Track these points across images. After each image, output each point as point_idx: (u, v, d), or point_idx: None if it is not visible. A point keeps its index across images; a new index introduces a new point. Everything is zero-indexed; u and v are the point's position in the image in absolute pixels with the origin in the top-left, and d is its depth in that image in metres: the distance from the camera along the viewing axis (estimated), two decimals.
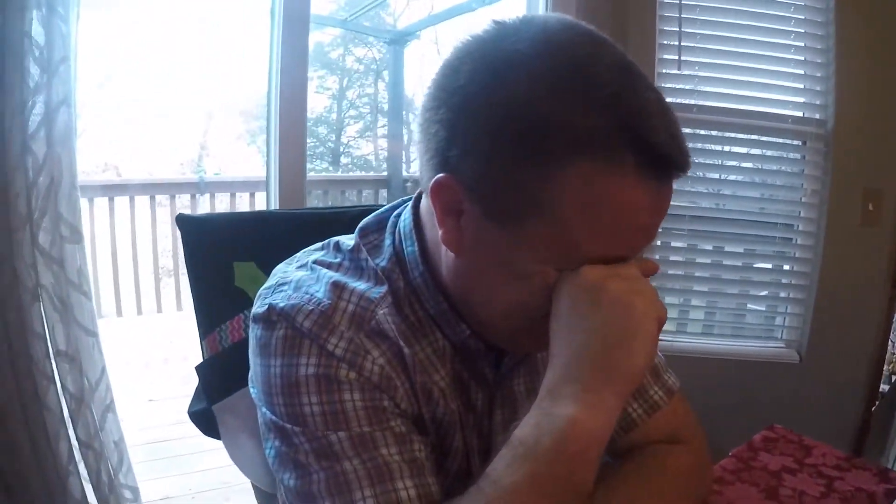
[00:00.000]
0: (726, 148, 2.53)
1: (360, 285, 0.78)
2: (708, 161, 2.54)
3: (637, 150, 0.62)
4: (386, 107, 6.82)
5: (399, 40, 5.74)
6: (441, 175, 0.69)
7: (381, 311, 0.76)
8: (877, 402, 2.57)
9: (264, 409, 0.75)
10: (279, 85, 2.03)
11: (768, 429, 1.37)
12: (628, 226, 0.66)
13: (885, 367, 2.57)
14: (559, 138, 0.62)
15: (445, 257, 0.76)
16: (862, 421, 2.57)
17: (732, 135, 2.49)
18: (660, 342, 2.14)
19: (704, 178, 2.50)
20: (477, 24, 0.72)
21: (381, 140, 7.28)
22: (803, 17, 2.42)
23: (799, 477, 1.19)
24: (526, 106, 0.63)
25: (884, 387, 2.64)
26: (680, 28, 2.32)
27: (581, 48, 0.66)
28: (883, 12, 2.44)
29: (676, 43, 2.34)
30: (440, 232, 0.72)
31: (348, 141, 7.63)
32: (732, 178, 2.65)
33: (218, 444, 1.05)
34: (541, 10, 2.21)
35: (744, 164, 2.62)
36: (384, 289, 0.78)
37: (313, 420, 0.71)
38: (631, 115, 0.62)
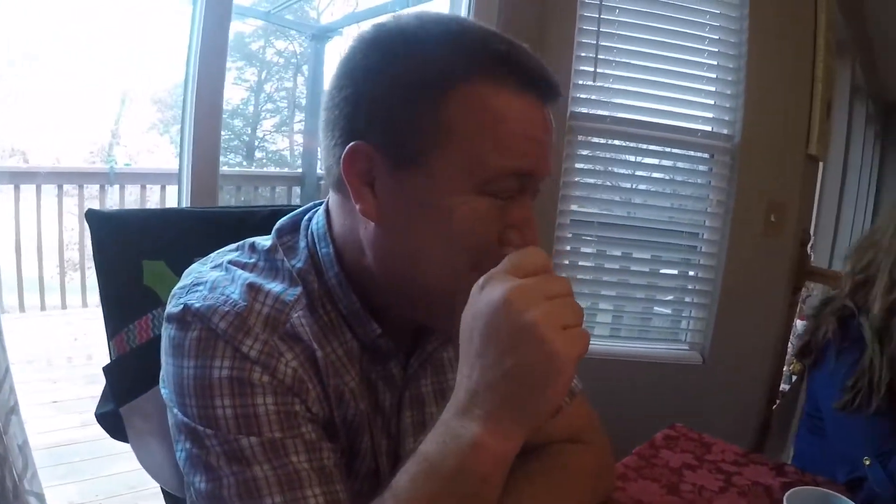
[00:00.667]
0: (639, 159, 2.62)
1: (275, 287, 0.78)
2: (620, 170, 2.63)
3: (515, 71, 0.73)
4: (304, 102, 6.76)
5: (321, 36, 5.69)
6: (351, 143, 0.73)
7: (296, 314, 0.77)
8: (777, 401, 2.71)
9: (176, 411, 0.75)
10: (196, 74, 1.98)
11: (670, 428, 1.43)
12: (524, 135, 0.74)
13: (785, 368, 2.72)
14: (447, 72, 0.72)
15: (366, 236, 0.78)
16: (763, 419, 2.69)
17: (645, 146, 2.56)
18: None
19: (615, 186, 2.56)
20: None
21: (297, 136, 7.19)
22: (717, 38, 2.53)
23: (699, 472, 1.25)
24: (416, 56, 0.73)
25: (784, 386, 2.78)
26: (597, 42, 2.38)
27: (456, 21, 0.79)
28: (792, 36, 2.60)
29: (593, 56, 2.39)
30: (358, 207, 0.75)
31: (264, 135, 7.52)
32: (643, 187, 2.74)
33: (126, 448, 1.03)
34: (463, 13, 2.23)
35: (654, 175, 2.71)
36: (299, 290, 0.79)
37: (225, 423, 0.71)
38: (504, 49, 0.73)
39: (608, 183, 2.55)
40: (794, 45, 2.63)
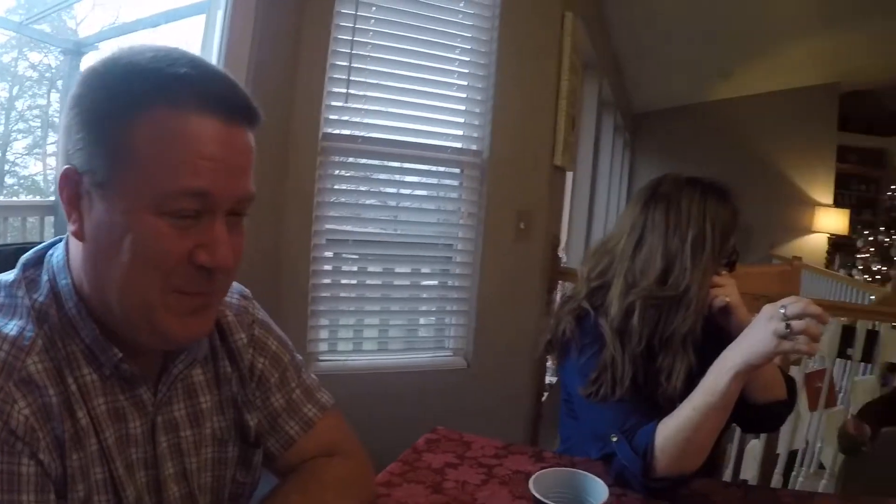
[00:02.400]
0: (395, 176, 2.76)
1: (12, 329, 0.79)
2: (376, 189, 2.76)
3: (194, 94, 0.77)
4: (58, 121, 6.30)
5: (76, 50, 5.37)
6: (63, 167, 0.79)
7: (31, 360, 0.77)
8: (545, 394, 2.89)
9: None
10: None
11: (431, 431, 1.51)
12: (199, 155, 0.77)
13: (550, 362, 2.91)
14: (129, 100, 0.76)
15: (76, 257, 0.82)
16: (535, 412, 2.87)
17: (399, 164, 2.70)
18: (337, 361, 2.26)
19: (372, 205, 2.70)
20: (160, 39, 0.82)
21: (49, 158, 6.68)
22: (468, 59, 2.70)
23: (461, 469, 1.33)
24: (106, 87, 0.78)
25: (550, 379, 2.98)
26: (350, 63, 2.45)
27: (153, 49, 0.81)
28: (538, 58, 2.84)
29: (346, 77, 2.46)
30: (70, 229, 0.79)
31: (15, 158, 6.92)
32: (399, 204, 2.88)
33: None
34: (217, 34, 2.21)
35: (409, 192, 2.85)
36: (34, 331, 0.79)
37: None
38: (183, 73, 0.77)
39: (365, 201, 2.67)
40: (540, 66, 2.88)
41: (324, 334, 2.61)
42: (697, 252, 1.42)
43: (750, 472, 3.12)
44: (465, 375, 2.79)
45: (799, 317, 1.12)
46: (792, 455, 3.43)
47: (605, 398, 1.38)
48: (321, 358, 2.57)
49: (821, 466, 3.49)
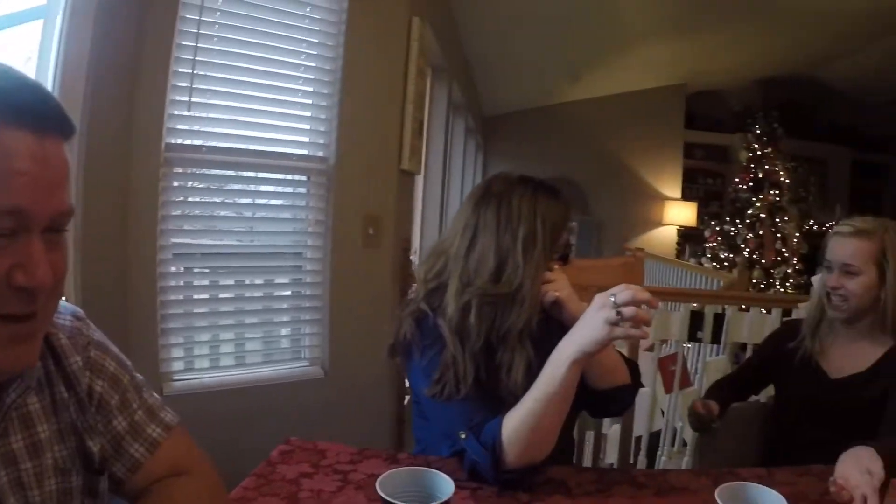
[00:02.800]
0: (247, 186, 2.74)
1: None
2: (222, 199, 2.70)
3: (5, 106, 0.75)
4: None
5: None
6: None
7: None
8: (407, 397, 2.97)
9: None
10: None
11: (285, 443, 1.52)
12: (7, 170, 0.75)
13: None
14: None
15: None
16: (396, 416, 2.93)
17: (246, 174, 2.68)
18: (193, 380, 2.21)
19: (220, 216, 2.66)
20: None
21: None
22: (314, 66, 2.72)
23: (316, 478, 1.35)
24: None
25: None
26: (193, 70, 2.40)
27: None
28: (384, 63, 2.91)
29: (188, 85, 2.40)
30: None
31: None
32: (249, 214, 2.82)
33: None
34: (54, 41, 2.11)
35: (256, 201, 2.82)
36: None
37: None
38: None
39: (219, 213, 2.63)
40: (386, 71, 2.94)
41: (178, 353, 2.55)
42: (529, 249, 1.50)
43: (612, 456, 3.30)
44: (323, 384, 2.81)
45: (628, 304, 1.21)
46: (658, 436, 3.67)
47: (451, 397, 1.44)
48: (176, 378, 2.51)
49: (684, 444, 3.73)
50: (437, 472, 1.17)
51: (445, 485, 1.14)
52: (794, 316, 2.49)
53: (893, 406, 1.83)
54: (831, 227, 2.07)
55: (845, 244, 1.98)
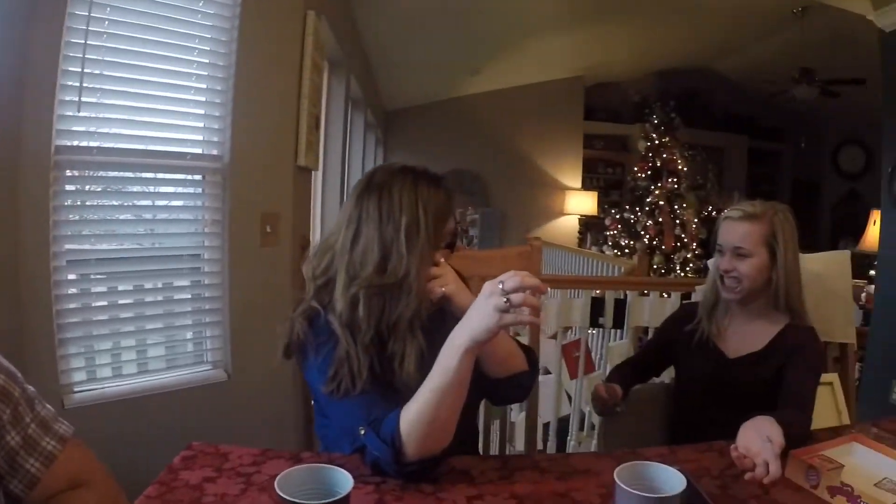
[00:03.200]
0: (148, 188, 2.70)
1: None
2: (120, 203, 2.66)
3: None
4: None
5: None
6: None
7: None
8: None
9: None
10: None
11: (187, 448, 1.52)
12: None
13: None
14: None
15: None
16: (305, 415, 2.95)
17: (140, 175, 2.64)
18: (94, 391, 2.18)
19: (115, 219, 2.62)
20: None
21: None
22: (207, 62, 2.70)
23: (219, 482, 1.36)
24: None
25: None
26: (83, 69, 2.34)
27: None
28: (278, 58, 2.93)
29: (78, 84, 2.34)
30: None
31: None
32: (145, 216, 2.77)
33: None
34: None
35: (151, 203, 2.78)
36: None
37: None
38: None
39: (117, 216, 2.60)
40: (281, 66, 2.96)
41: (78, 363, 2.49)
42: (412, 238, 1.52)
43: (521, 444, 3.40)
44: (227, 387, 2.81)
45: (517, 290, 1.25)
46: (567, 421, 3.82)
47: (347, 393, 1.47)
48: (77, 389, 2.45)
49: (592, 428, 3.89)
50: (336, 467, 1.19)
51: (344, 480, 1.15)
52: (693, 299, 2.63)
53: (789, 382, 1.94)
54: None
55: (736, 228, 2.08)
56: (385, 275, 1.52)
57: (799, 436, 1.66)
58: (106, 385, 2.55)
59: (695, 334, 2.19)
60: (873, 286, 5.06)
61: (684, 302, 2.39)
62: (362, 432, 1.41)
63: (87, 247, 2.52)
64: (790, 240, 2.06)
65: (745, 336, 2.13)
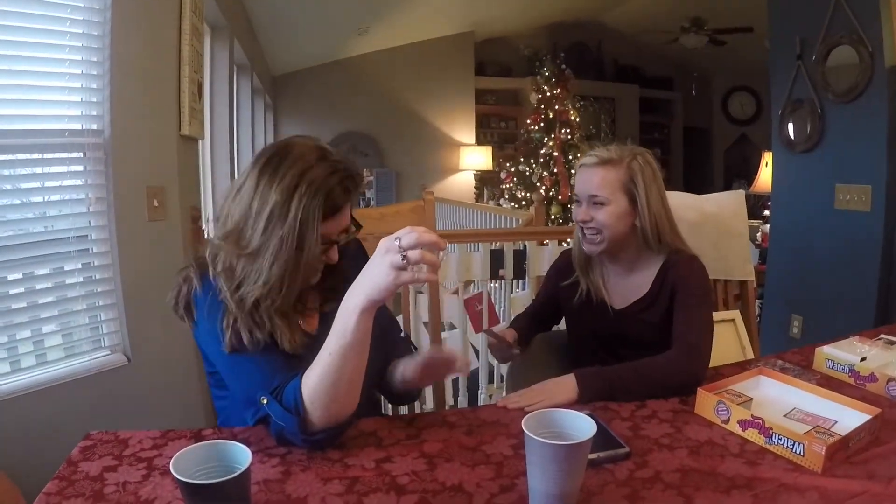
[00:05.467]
0: (26, 170, 2.53)
1: None
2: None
3: None
4: None
5: None
6: None
7: None
8: None
9: None
10: None
11: (85, 438, 1.48)
12: None
13: None
14: None
15: None
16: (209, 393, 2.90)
17: (15, 157, 2.47)
18: None
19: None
20: None
21: None
22: (81, 32, 2.55)
23: (120, 470, 1.33)
24: None
25: None
26: None
27: None
28: (156, 23, 2.82)
29: None
30: None
31: None
32: (20, 201, 2.61)
33: None
34: None
35: (27, 185, 2.58)
36: None
37: None
38: None
39: None
40: (158, 33, 2.84)
41: None
42: (274, 219, 1.47)
43: (430, 402, 3.45)
44: (127, 372, 2.73)
45: (413, 247, 1.22)
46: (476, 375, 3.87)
47: (253, 348, 1.46)
48: None
49: (502, 380, 3.96)
50: (233, 442, 1.16)
51: (243, 454, 1.14)
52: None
53: (675, 323, 1.93)
54: None
55: (591, 175, 2.01)
56: (238, 246, 1.50)
57: (635, 391, 1.73)
58: (2, 383, 2.41)
59: (577, 287, 2.16)
60: (767, 226, 5.29)
61: (563, 250, 2.37)
62: (265, 401, 1.40)
63: None
64: (651, 182, 2.00)
65: (628, 285, 2.11)
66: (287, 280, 1.49)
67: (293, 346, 1.51)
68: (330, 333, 1.34)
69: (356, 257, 1.73)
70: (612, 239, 2.01)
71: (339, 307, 1.33)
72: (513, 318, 2.44)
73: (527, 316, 2.36)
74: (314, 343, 1.42)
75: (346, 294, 1.33)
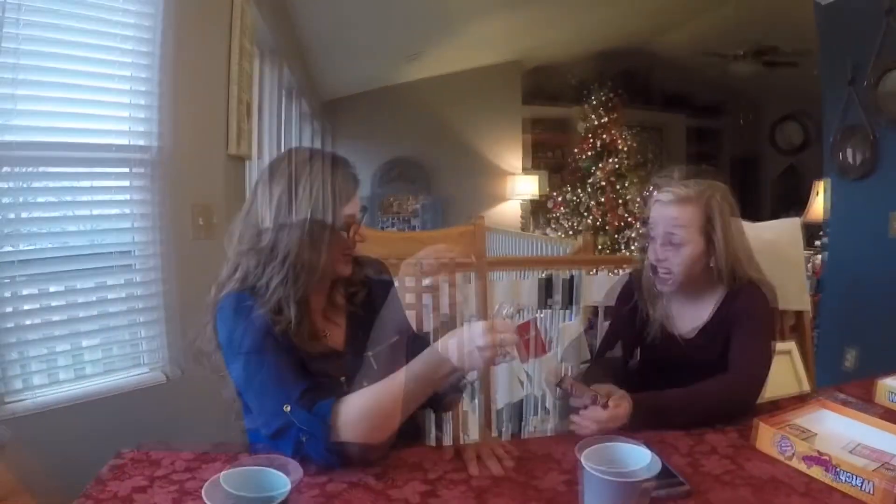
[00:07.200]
0: (63, 183, 2.53)
1: None
2: (45, 199, 2.49)
3: None
4: None
5: None
6: None
7: None
8: None
9: None
10: None
11: (116, 456, 1.45)
12: None
13: None
14: None
15: None
16: None
17: (61, 170, 2.49)
18: (26, 401, 2.05)
19: (39, 218, 2.47)
20: None
21: None
22: (131, 48, 2.57)
23: (150, 492, 1.29)
24: None
25: None
26: None
27: None
28: (207, 43, 2.84)
29: None
30: None
31: None
32: (72, 213, 2.62)
33: None
34: None
35: (73, 199, 2.59)
36: None
37: None
38: None
39: (31, 214, 2.44)
40: (208, 51, 2.87)
41: (14, 370, 2.35)
42: (283, 212, 1.56)
43: (474, 433, 3.38)
44: (166, 391, 2.71)
45: (434, 269, 1.31)
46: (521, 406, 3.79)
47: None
48: (9, 399, 2.31)
49: (547, 412, 3.87)
50: (271, 469, 1.14)
51: (281, 482, 1.11)
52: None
53: (732, 350, 1.88)
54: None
55: (667, 212, 1.96)
56: (259, 245, 1.58)
57: (682, 423, 1.68)
58: (38, 395, 2.40)
59: (640, 315, 2.11)
60: (820, 256, 5.16)
61: (626, 279, 2.28)
62: (287, 409, 1.39)
63: (8, 248, 2.34)
64: (728, 220, 1.93)
65: (692, 314, 2.05)
66: (308, 259, 1.56)
67: (313, 346, 1.56)
68: (406, 370, 1.38)
69: (380, 277, 1.78)
70: (686, 279, 1.97)
71: (426, 354, 1.38)
72: (560, 347, 2.36)
73: (601, 367, 2.24)
74: (341, 360, 1.52)
75: (439, 346, 1.37)
